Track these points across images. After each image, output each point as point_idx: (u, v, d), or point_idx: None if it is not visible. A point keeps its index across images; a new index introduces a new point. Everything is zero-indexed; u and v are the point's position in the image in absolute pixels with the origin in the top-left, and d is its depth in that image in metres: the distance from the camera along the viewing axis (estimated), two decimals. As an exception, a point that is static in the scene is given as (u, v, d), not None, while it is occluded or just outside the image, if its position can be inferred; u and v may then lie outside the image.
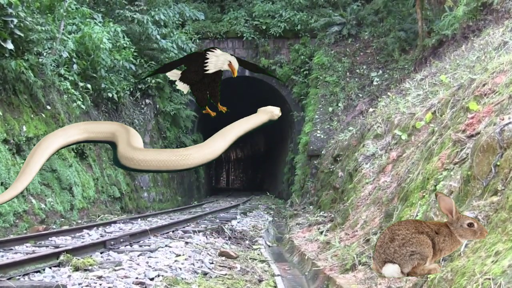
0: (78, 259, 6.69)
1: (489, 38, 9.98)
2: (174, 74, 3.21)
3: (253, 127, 3.13)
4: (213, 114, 3.23)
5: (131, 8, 21.26)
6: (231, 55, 3.02)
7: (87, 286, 5.60)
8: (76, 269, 6.40)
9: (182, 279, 6.17)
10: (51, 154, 3.09)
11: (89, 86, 15.82)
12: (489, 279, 3.56)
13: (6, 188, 10.62)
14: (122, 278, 5.91)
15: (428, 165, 6.69)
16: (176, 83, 3.22)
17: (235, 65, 3.01)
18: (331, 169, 14.42)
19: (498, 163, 4.60)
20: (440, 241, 3.11)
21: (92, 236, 9.91)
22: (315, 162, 18.35)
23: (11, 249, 8.00)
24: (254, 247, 9.78)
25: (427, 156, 7.10)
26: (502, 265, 3.57)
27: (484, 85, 6.60)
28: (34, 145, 12.23)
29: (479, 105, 6.31)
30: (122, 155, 2.92)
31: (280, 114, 3.16)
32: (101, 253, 7.82)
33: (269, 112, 3.14)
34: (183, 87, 3.21)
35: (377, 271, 3.31)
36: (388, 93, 14.84)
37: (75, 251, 7.23)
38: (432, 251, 3.10)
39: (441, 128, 7.35)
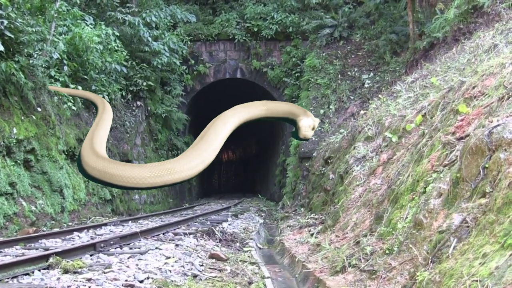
0: (68, 262, 6.66)
1: (479, 41, 10.02)
2: None
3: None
4: None
5: (123, 10, 21.24)
6: None
7: (76, 288, 5.57)
8: (66, 271, 6.37)
9: (172, 281, 6.15)
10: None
11: (80, 88, 15.76)
12: (477, 281, 3.57)
13: (-5, 190, 10.56)
14: (112, 281, 5.88)
15: (418, 168, 6.72)
16: None
17: None
18: (322, 171, 14.43)
19: (487, 165, 4.62)
20: None
21: (83, 238, 9.87)
22: (306, 164, 18.38)
23: (1, 252, 7.96)
24: (245, 249, 9.76)
25: (417, 159, 7.12)
26: (490, 267, 3.58)
27: (474, 87, 6.64)
28: (25, 147, 12.20)
29: (468, 107, 6.35)
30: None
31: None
32: (91, 255, 7.79)
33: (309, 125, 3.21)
34: None
35: None
36: (379, 96, 14.89)
37: (64, 253, 7.20)
38: None
39: (431, 131, 7.38)
